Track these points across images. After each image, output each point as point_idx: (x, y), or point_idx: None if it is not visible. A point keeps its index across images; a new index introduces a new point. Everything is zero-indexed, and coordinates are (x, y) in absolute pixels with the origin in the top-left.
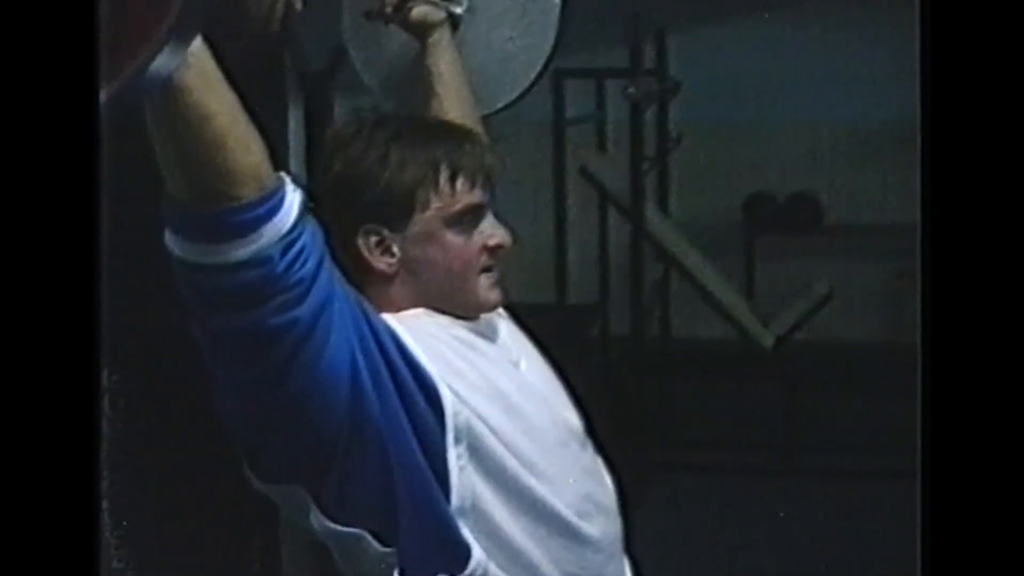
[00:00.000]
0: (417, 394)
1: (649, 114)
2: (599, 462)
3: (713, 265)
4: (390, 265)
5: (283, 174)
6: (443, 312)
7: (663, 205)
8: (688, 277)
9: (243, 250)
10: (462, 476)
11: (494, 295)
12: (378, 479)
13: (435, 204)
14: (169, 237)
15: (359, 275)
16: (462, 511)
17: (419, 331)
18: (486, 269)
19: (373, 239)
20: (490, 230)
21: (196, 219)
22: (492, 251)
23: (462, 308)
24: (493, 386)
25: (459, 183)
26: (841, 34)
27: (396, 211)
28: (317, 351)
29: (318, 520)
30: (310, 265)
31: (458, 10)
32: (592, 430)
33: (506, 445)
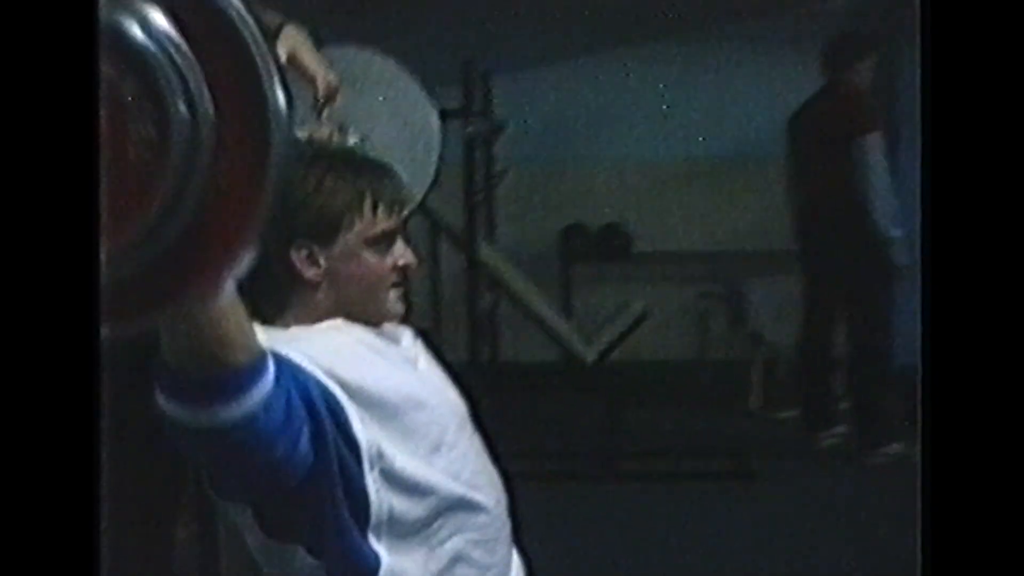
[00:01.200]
0: (343, 446)
1: (479, 151)
2: (480, 440)
3: (537, 290)
4: (316, 275)
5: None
6: (356, 319)
7: (491, 236)
8: (517, 302)
9: (233, 411)
10: (378, 497)
11: (399, 307)
12: (313, 512)
13: (357, 227)
14: (161, 398)
15: (289, 283)
16: (378, 527)
17: (340, 349)
18: (395, 285)
19: (304, 252)
20: (401, 252)
21: (193, 383)
22: (401, 270)
23: (374, 316)
24: (394, 386)
25: (379, 210)
26: (649, 78)
27: (325, 230)
28: (285, 446)
29: (258, 536)
30: (281, 406)
31: (351, 141)
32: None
33: (409, 451)
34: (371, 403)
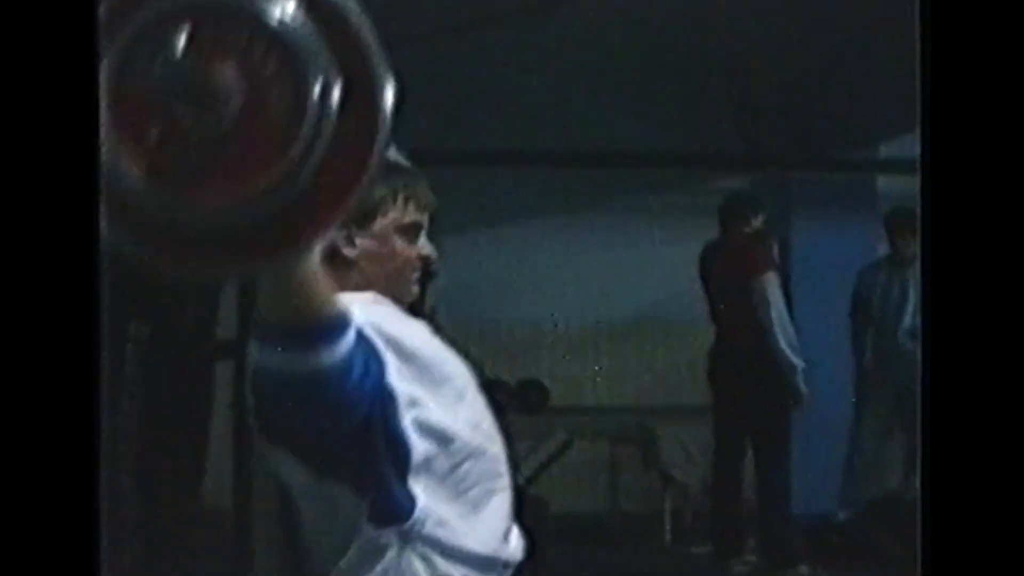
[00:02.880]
0: (384, 394)
1: None
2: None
3: None
4: (352, 254)
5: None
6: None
7: None
8: None
9: (326, 358)
10: (413, 443)
11: (416, 290)
12: (360, 455)
13: (391, 215)
14: (256, 349)
15: (328, 260)
16: (414, 471)
17: (380, 308)
18: (415, 271)
19: (344, 232)
20: (424, 244)
21: (292, 332)
22: (424, 259)
23: (396, 296)
24: (421, 352)
25: (410, 205)
26: (566, 245)
27: (364, 215)
28: (356, 392)
29: (306, 480)
30: (359, 354)
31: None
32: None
33: (438, 401)
34: (407, 355)
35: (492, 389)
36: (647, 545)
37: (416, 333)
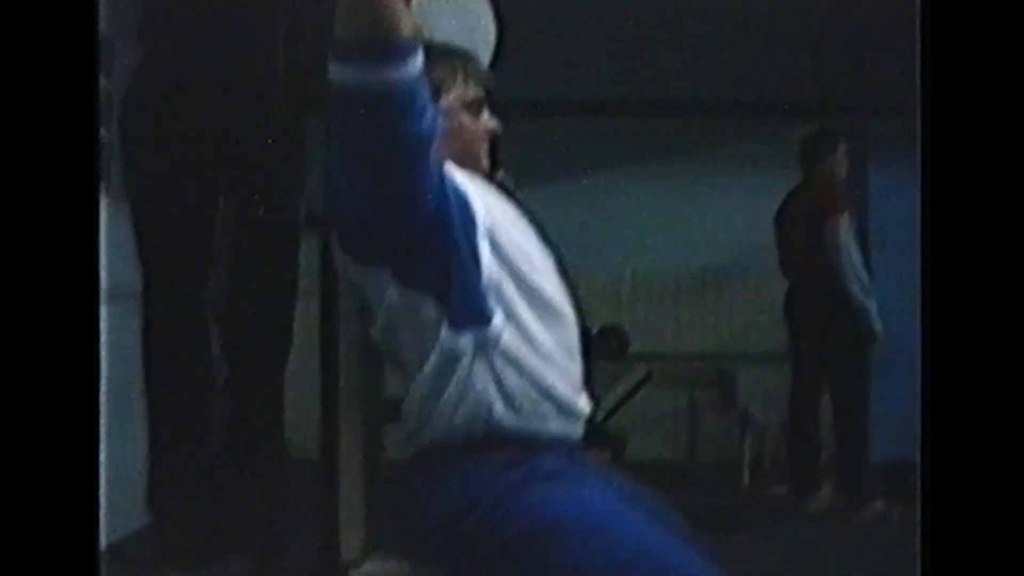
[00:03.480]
0: (461, 205)
1: None
2: None
3: None
4: None
5: None
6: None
7: None
8: None
9: (399, 72)
10: (488, 263)
11: (487, 163)
12: (441, 261)
13: (455, 92)
14: (336, 69)
15: None
16: (488, 288)
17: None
18: (483, 143)
19: None
20: (488, 118)
21: (368, 48)
22: (490, 132)
23: (468, 167)
24: (495, 205)
25: (470, 82)
26: (644, 195)
27: (432, 92)
28: (424, 161)
29: (394, 290)
30: (427, 96)
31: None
32: None
33: (514, 244)
34: (487, 205)
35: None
36: (725, 488)
37: (496, 198)
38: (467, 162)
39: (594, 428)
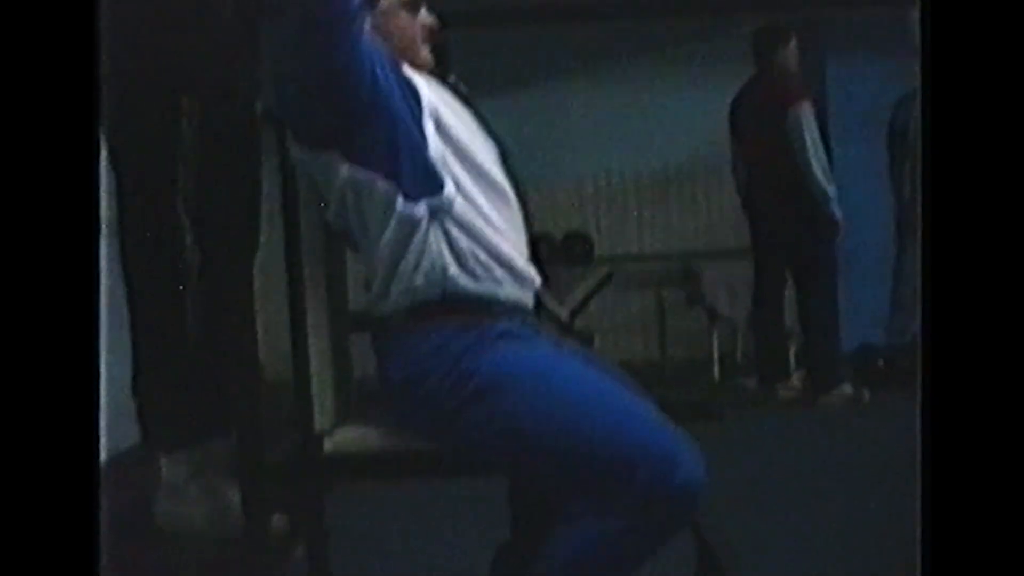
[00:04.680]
0: (405, 88)
1: None
2: None
3: None
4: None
5: None
6: None
7: None
8: None
9: None
10: (434, 139)
11: (429, 57)
12: (387, 138)
13: None
14: None
15: None
16: (436, 161)
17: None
18: (424, 40)
19: None
20: (426, 15)
21: None
22: (428, 28)
23: (413, 63)
24: (441, 96)
25: None
26: (600, 99)
27: None
28: (355, 37)
29: (346, 171)
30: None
31: None
32: None
33: (459, 128)
34: (433, 92)
35: (537, 244)
36: (697, 383)
37: (442, 92)
38: (410, 57)
39: (562, 326)
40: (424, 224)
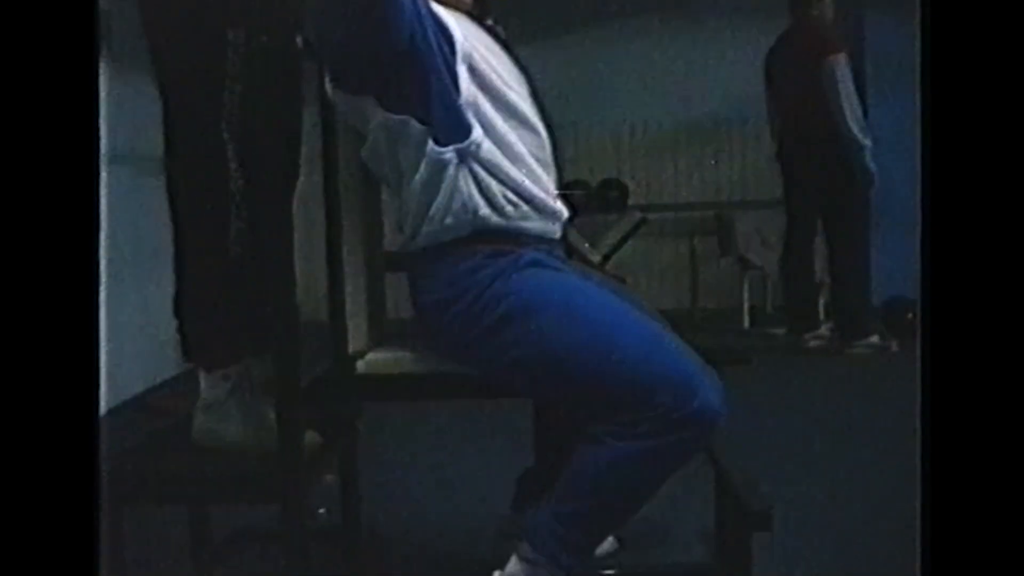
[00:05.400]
0: (440, 35)
1: None
2: None
3: None
4: None
5: None
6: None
7: None
8: None
9: None
10: (466, 83)
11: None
12: (421, 86)
13: None
14: None
15: None
16: (466, 104)
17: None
18: None
19: None
20: None
21: None
22: None
23: (453, 3)
24: (477, 37)
25: None
26: (638, 50)
27: None
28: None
29: (380, 116)
30: None
31: None
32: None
33: (492, 69)
34: (467, 34)
35: (572, 190)
36: (727, 331)
37: (475, 30)
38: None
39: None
40: (453, 168)
